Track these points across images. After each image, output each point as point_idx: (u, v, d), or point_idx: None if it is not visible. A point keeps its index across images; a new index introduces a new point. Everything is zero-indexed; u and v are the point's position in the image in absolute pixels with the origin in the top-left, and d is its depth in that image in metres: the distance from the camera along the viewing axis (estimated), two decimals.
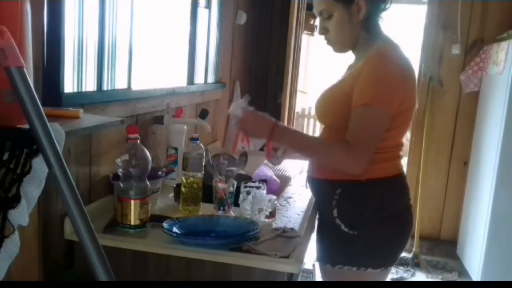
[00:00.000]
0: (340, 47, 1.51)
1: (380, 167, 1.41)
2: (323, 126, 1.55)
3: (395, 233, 1.47)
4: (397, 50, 1.42)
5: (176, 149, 1.89)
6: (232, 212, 1.54)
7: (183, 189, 1.56)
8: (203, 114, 2.06)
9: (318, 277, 1.63)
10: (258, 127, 1.41)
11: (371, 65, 1.35)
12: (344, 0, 1.41)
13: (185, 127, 1.94)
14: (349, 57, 1.55)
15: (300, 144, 1.43)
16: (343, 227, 1.43)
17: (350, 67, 1.54)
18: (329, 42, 1.50)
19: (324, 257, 1.52)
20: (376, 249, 1.43)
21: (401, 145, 1.49)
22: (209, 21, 2.57)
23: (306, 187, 1.63)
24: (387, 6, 1.45)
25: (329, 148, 1.38)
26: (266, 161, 2.20)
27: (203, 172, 1.57)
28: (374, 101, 1.32)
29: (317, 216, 1.61)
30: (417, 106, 3.37)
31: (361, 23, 1.44)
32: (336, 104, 1.43)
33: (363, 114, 1.33)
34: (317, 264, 1.58)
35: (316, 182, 1.54)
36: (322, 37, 1.52)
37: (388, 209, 1.43)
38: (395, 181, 1.46)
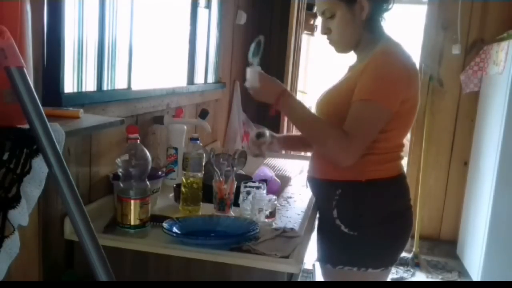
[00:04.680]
0: (342, 47, 1.49)
1: (380, 168, 1.41)
2: None
3: (395, 234, 1.47)
4: (401, 49, 1.41)
5: (176, 149, 1.89)
6: (232, 212, 1.54)
7: (183, 189, 1.55)
8: (203, 114, 2.06)
9: (318, 277, 1.63)
10: (268, 91, 1.42)
11: (377, 63, 1.35)
12: (347, 0, 1.40)
13: (185, 127, 1.94)
14: (349, 57, 1.54)
15: (300, 119, 1.42)
16: (343, 227, 1.43)
17: (351, 68, 1.53)
18: (331, 42, 1.49)
19: (325, 258, 1.52)
20: (376, 249, 1.43)
21: (401, 145, 1.48)
22: (209, 21, 2.56)
23: (307, 187, 1.63)
24: (390, 6, 1.45)
25: (326, 132, 1.35)
26: (265, 161, 2.20)
27: (203, 172, 1.57)
28: (374, 96, 1.31)
29: (318, 216, 1.61)
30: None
31: (363, 23, 1.43)
32: (337, 106, 1.41)
33: (362, 108, 1.32)
34: (317, 264, 1.58)
35: (317, 182, 1.54)
36: (323, 37, 1.50)
37: (387, 210, 1.43)
38: (395, 182, 1.46)
